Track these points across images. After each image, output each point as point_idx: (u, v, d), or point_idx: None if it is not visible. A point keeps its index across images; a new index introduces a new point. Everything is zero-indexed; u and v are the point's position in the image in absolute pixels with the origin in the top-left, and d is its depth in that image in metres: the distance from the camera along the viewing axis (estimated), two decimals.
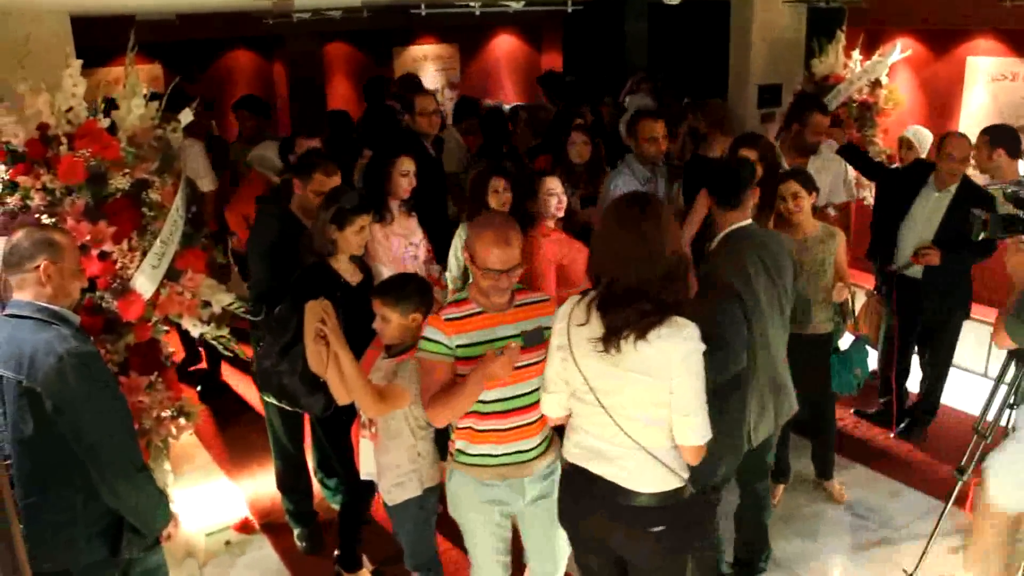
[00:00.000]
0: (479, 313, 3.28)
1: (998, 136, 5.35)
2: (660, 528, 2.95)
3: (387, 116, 7.52)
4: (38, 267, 2.94)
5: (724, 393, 3.57)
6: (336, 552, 4.47)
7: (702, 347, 2.83)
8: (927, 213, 5.38)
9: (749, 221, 3.88)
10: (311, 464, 5.04)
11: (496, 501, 3.42)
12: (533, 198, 4.70)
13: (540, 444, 3.44)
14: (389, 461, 3.64)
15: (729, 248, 3.81)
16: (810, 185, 4.72)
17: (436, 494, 3.73)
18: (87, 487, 2.92)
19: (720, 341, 3.37)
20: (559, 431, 3.36)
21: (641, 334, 2.79)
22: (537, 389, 3.27)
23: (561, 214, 4.73)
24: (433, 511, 3.77)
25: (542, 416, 3.33)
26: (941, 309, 5.47)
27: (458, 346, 3.23)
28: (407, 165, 4.88)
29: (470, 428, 3.35)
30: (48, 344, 2.85)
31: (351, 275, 4.22)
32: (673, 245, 2.85)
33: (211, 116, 7.27)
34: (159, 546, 3.27)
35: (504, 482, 3.39)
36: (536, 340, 3.18)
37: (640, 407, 2.88)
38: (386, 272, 4.79)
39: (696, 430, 2.87)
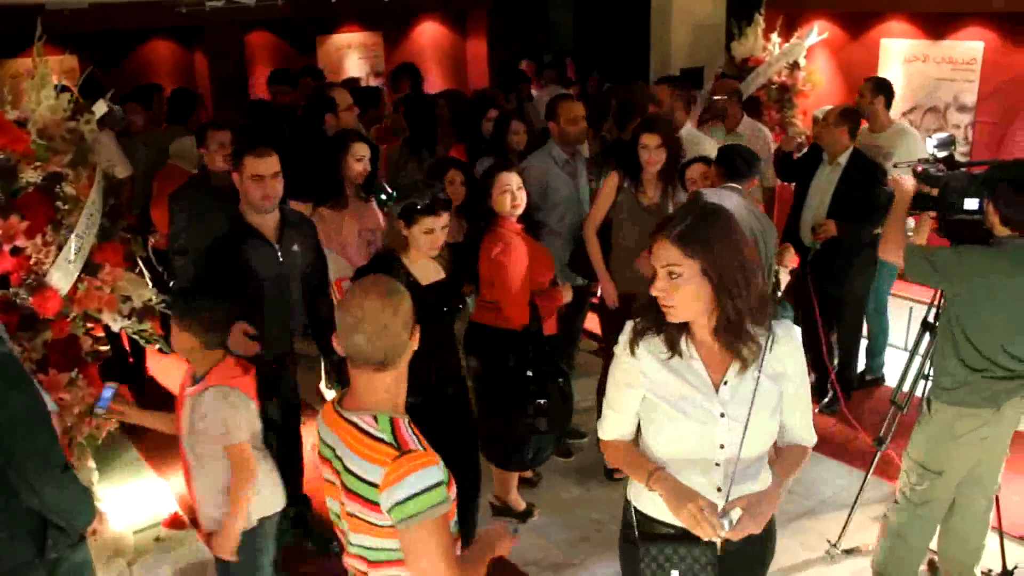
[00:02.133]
0: None
1: (880, 86, 6.03)
2: None
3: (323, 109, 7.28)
4: None
5: None
6: None
7: (617, 353, 2.64)
8: (821, 188, 5.58)
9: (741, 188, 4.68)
10: None
11: None
12: (489, 195, 4.44)
13: None
14: (206, 485, 3.35)
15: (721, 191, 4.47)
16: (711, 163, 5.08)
17: (277, 522, 3.49)
18: (7, 488, 2.84)
19: None
20: None
21: None
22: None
23: (519, 211, 4.49)
24: (269, 543, 3.47)
25: None
26: (843, 280, 5.61)
27: None
28: (361, 150, 4.89)
29: None
30: None
31: (424, 272, 3.93)
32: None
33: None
34: (84, 542, 3.21)
35: None
36: None
37: None
38: (333, 258, 4.78)
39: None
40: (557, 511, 4.93)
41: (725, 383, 2.52)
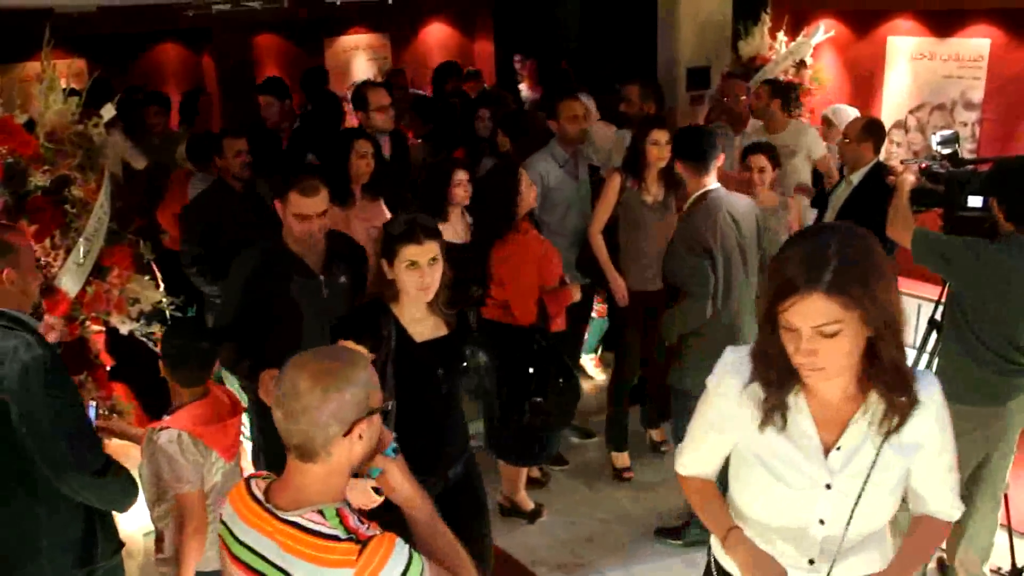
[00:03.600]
0: None
1: (777, 89, 6.32)
2: None
3: (332, 109, 7.25)
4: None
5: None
6: None
7: (709, 387, 2.27)
8: (834, 205, 5.22)
9: (718, 185, 4.33)
10: None
11: None
12: (519, 193, 4.42)
13: None
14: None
15: (703, 208, 4.26)
16: (775, 160, 5.08)
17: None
18: (50, 498, 2.81)
19: (690, 292, 4.13)
20: None
21: None
22: None
23: (535, 205, 4.64)
24: None
25: None
26: None
27: None
28: (364, 147, 4.90)
29: None
30: (14, 352, 2.70)
31: (420, 327, 3.22)
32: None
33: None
34: (121, 547, 3.19)
35: None
36: None
37: None
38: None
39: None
40: (565, 511, 4.94)
41: (838, 448, 2.07)
